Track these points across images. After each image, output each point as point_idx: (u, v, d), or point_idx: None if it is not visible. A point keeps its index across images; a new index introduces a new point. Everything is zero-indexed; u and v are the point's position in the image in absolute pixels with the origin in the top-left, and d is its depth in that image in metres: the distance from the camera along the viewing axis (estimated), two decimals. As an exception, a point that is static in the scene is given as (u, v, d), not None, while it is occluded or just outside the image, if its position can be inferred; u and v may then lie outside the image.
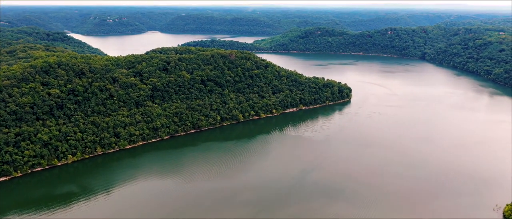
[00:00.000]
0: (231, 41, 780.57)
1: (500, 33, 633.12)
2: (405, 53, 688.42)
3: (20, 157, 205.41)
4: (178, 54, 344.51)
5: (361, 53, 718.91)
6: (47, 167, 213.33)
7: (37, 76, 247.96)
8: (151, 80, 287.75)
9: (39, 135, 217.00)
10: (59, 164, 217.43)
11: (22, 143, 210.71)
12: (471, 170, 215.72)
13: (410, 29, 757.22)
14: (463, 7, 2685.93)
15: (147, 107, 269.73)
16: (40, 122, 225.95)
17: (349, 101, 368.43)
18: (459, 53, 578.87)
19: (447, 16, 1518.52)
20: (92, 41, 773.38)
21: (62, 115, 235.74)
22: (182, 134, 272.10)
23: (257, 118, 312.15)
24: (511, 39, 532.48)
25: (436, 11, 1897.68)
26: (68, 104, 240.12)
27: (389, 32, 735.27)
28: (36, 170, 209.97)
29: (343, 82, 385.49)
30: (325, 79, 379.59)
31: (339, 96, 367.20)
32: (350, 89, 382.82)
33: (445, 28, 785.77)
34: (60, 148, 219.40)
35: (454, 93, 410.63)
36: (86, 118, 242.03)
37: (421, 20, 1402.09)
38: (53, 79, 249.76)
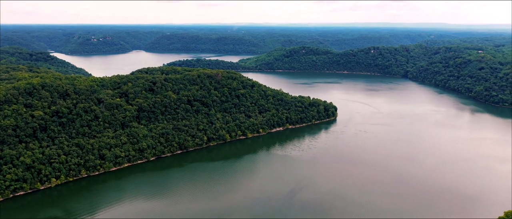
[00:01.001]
0: (217, 60, 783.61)
1: (479, 51, 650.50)
2: (388, 71, 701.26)
3: (2, 181, 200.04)
4: (164, 75, 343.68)
5: (345, 72, 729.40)
6: (29, 191, 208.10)
7: (20, 98, 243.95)
8: (137, 101, 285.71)
9: (21, 158, 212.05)
10: (42, 187, 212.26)
11: (3, 166, 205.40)
12: (457, 187, 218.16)
13: (392, 48, 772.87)
14: (443, 26, 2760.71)
15: (133, 129, 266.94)
16: (23, 144, 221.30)
17: (335, 120, 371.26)
18: (440, 72, 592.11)
19: (427, 34, 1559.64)
20: (76, 61, 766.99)
21: (45, 137, 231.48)
22: (169, 155, 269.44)
23: (244, 137, 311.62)
24: (490, 58, 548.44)
25: (416, 30, 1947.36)
26: (52, 126, 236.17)
27: (372, 51, 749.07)
28: (18, 194, 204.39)
29: (328, 101, 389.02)
30: (311, 98, 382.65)
31: (325, 115, 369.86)
32: (335, 108, 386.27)
33: (426, 47, 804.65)
34: (43, 171, 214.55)
35: (437, 111, 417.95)
36: (70, 140, 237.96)
37: (402, 38, 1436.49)
38: (36, 101, 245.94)
